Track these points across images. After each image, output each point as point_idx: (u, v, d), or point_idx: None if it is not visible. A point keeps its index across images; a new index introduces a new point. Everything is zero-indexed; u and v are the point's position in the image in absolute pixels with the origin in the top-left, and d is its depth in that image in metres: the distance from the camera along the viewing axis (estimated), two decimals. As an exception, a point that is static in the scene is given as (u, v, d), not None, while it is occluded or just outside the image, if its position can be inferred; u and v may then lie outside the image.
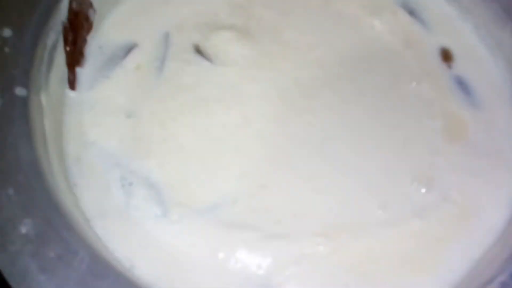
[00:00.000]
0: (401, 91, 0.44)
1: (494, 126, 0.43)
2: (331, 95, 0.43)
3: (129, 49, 0.44)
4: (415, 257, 0.37)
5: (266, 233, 0.37)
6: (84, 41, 0.43)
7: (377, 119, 0.42)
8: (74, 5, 0.42)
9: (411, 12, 0.47)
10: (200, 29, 0.45)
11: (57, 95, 0.40)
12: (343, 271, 0.36)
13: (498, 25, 0.45)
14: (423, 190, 0.39)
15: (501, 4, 0.44)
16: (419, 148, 0.41)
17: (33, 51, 0.37)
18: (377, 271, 0.37)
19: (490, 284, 0.33)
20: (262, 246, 0.36)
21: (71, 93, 0.41)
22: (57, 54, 0.40)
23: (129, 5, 0.46)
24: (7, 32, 0.37)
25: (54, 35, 0.39)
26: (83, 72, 0.42)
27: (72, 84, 0.42)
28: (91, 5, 0.43)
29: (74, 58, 0.42)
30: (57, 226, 0.31)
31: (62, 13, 0.40)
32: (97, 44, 0.44)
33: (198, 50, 0.44)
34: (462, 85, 0.44)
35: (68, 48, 0.41)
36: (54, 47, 0.39)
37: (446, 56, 0.46)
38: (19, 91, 0.35)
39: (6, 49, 0.36)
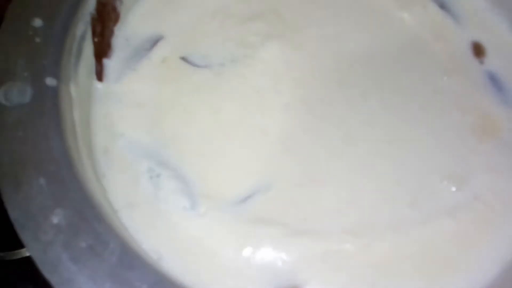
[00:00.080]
0: (431, 85, 0.43)
1: (528, 125, 0.42)
2: (359, 90, 0.42)
3: (155, 41, 0.44)
4: (444, 256, 0.37)
5: (293, 229, 0.36)
6: (111, 32, 0.43)
7: (407, 115, 0.41)
8: (102, -5, 0.42)
9: (442, 5, 0.46)
10: (226, 20, 0.44)
11: (86, 86, 0.40)
12: (370, 269, 0.36)
13: (532, 19, 0.44)
14: (454, 189, 0.39)
15: (535, -3, 0.43)
16: (450, 145, 0.40)
17: (63, 42, 0.37)
18: (405, 270, 0.36)
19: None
20: (289, 242, 0.36)
21: (98, 85, 0.41)
22: (86, 45, 0.40)
23: (155, -4, 0.45)
24: (38, 22, 0.37)
25: (83, 26, 0.39)
26: (110, 64, 0.42)
27: (99, 75, 0.42)
28: (118, -4, 0.43)
29: (102, 50, 0.42)
30: (88, 216, 0.31)
31: (90, 4, 0.40)
32: (123, 36, 0.44)
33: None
34: (494, 81, 0.43)
35: (96, 39, 0.41)
36: (83, 38, 0.39)
37: (478, 50, 0.45)
38: (50, 81, 0.35)
39: (37, 39, 0.36)
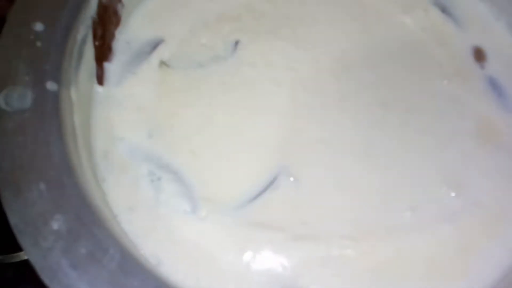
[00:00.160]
0: (432, 89, 0.43)
1: (528, 130, 0.42)
2: (359, 93, 0.42)
3: (156, 44, 0.44)
4: (444, 262, 0.37)
5: (293, 234, 0.37)
6: (112, 36, 0.43)
7: (407, 119, 0.41)
8: (104, -1, 0.42)
9: (444, 10, 0.46)
10: (225, 24, 0.44)
11: (86, 90, 0.40)
12: (370, 274, 0.36)
13: (533, 24, 0.44)
14: (453, 194, 0.39)
15: (536, 3, 0.43)
16: (450, 150, 0.40)
17: (64, 46, 0.37)
18: (405, 275, 0.36)
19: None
20: (289, 247, 0.36)
21: (99, 89, 0.41)
22: (87, 49, 0.40)
23: (156, 0, 0.45)
24: (39, 26, 0.37)
25: (84, 30, 0.39)
26: (110, 68, 0.42)
27: (100, 79, 0.42)
28: (119, 0, 0.43)
29: (103, 53, 0.42)
30: (87, 222, 0.31)
31: (92, 7, 0.40)
32: (124, 39, 0.44)
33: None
34: (494, 86, 0.43)
35: (97, 43, 0.41)
36: (83, 41, 0.39)
37: (479, 55, 0.45)
38: (51, 85, 0.35)
39: (38, 43, 0.36)
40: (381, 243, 0.37)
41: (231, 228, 0.36)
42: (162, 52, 0.43)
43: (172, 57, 0.43)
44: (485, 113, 0.42)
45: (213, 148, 0.39)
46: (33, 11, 0.37)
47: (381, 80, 0.43)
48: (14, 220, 0.30)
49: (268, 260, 0.36)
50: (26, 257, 0.47)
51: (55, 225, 0.30)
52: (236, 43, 0.43)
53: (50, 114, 0.34)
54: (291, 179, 0.38)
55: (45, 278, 0.29)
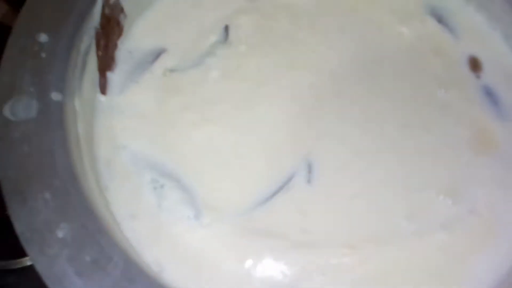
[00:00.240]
0: (428, 99, 0.43)
1: (523, 139, 0.42)
2: (356, 103, 0.43)
3: (158, 54, 0.44)
4: (441, 269, 0.37)
5: (294, 242, 0.37)
6: (115, 46, 0.44)
7: (404, 128, 0.42)
8: (107, 10, 0.42)
9: (440, 20, 0.47)
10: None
11: (89, 100, 0.41)
12: (369, 282, 0.37)
13: (528, 34, 0.44)
14: (450, 202, 0.39)
15: (531, 13, 0.44)
16: (446, 159, 0.41)
17: (68, 56, 0.38)
18: (403, 283, 0.37)
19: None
20: (289, 255, 0.37)
21: (101, 98, 0.42)
22: (90, 59, 0.41)
23: (158, 10, 0.46)
24: (43, 38, 0.37)
25: (87, 40, 0.40)
26: (113, 77, 0.43)
27: (103, 88, 0.42)
28: (122, 10, 0.44)
29: (105, 63, 0.43)
30: (92, 230, 0.32)
31: (95, 18, 0.41)
32: (127, 49, 0.44)
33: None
34: (490, 95, 0.44)
35: (100, 53, 0.42)
36: (87, 52, 0.40)
37: (475, 65, 0.45)
38: (55, 95, 0.36)
39: (43, 54, 0.37)
40: (379, 251, 0.37)
41: (233, 235, 0.37)
42: (164, 62, 0.44)
43: (174, 66, 0.44)
44: (481, 122, 0.43)
45: (216, 155, 0.40)
46: (37, 22, 0.38)
47: (378, 90, 0.43)
48: (20, 228, 0.31)
49: (268, 267, 0.37)
50: (27, 264, 0.48)
51: (60, 234, 0.31)
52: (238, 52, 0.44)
53: (54, 123, 0.35)
54: (291, 189, 0.39)
55: (51, 285, 0.29)
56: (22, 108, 0.35)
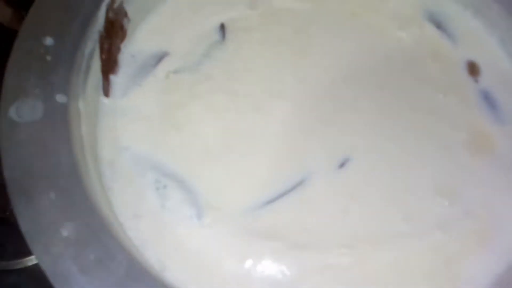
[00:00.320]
0: (427, 103, 0.44)
1: (520, 142, 0.43)
2: (355, 107, 0.43)
3: (160, 58, 0.45)
4: (437, 270, 0.38)
5: (293, 243, 0.38)
6: (118, 49, 0.45)
7: (402, 131, 0.43)
8: (111, 14, 0.43)
9: (438, 26, 0.47)
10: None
11: (93, 102, 0.41)
12: (366, 282, 0.37)
13: (525, 39, 0.45)
14: (446, 203, 0.40)
15: (528, 18, 0.44)
16: (443, 161, 0.41)
17: (73, 59, 0.38)
18: (400, 283, 0.37)
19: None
20: (289, 255, 0.37)
21: (105, 100, 0.43)
22: (93, 62, 0.41)
23: (160, 15, 0.47)
24: (49, 41, 0.38)
25: (91, 44, 0.41)
26: (116, 80, 0.44)
27: (106, 91, 0.43)
28: (126, 15, 0.45)
29: (109, 66, 0.43)
30: (95, 229, 0.32)
31: (99, 22, 0.41)
32: (129, 52, 0.45)
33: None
34: (488, 99, 0.44)
35: (103, 56, 0.42)
36: (91, 55, 0.41)
37: (473, 69, 0.46)
38: (60, 98, 0.37)
39: (48, 57, 0.38)
40: (377, 251, 0.38)
41: (234, 236, 0.37)
42: (166, 65, 0.44)
43: (176, 69, 0.44)
44: (478, 125, 0.43)
45: (219, 156, 0.40)
46: (43, 26, 0.38)
47: (377, 94, 0.44)
48: (25, 227, 0.31)
49: (268, 267, 0.37)
50: (28, 264, 0.49)
51: (65, 232, 0.31)
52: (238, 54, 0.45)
53: (59, 125, 0.36)
54: (294, 190, 0.39)
55: (56, 284, 0.30)
56: (28, 110, 0.35)
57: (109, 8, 0.42)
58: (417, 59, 0.46)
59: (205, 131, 0.42)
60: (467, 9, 0.47)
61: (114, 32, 0.44)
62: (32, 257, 0.48)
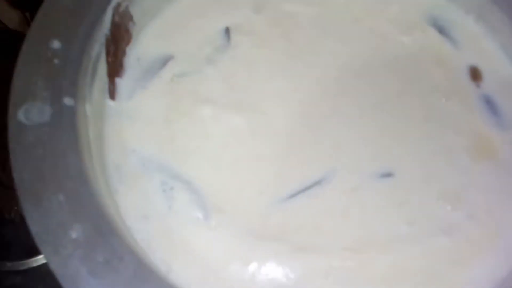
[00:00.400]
0: (429, 107, 0.44)
1: (522, 148, 0.43)
2: (357, 110, 0.43)
3: (165, 61, 0.45)
4: (440, 274, 0.38)
5: (297, 246, 0.38)
6: (124, 52, 0.45)
7: (405, 135, 0.43)
8: (116, 18, 0.43)
9: (441, 31, 0.48)
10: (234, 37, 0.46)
11: (99, 105, 0.42)
12: (370, 285, 0.37)
13: (527, 44, 0.45)
14: (449, 208, 0.40)
15: (530, 24, 0.44)
16: (446, 166, 0.42)
17: (80, 63, 0.39)
18: (403, 286, 0.38)
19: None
20: (293, 258, 0.38)
21: (111, 103, 0.43)
22: (100, 65, 0.42)
23: (165, 19, 0.47)
24: (56, 44, 0.38)
25: (98, 47, 0.41)
26: (122, 83, 0.44)
27: (112, 94, 0.43)
28: (131, 18, 0.45)
29: (115, 69, 0.44)
30: (104, 231, 0.32)
31: (105, 25, 0.42)
32: (135, 56, 0.45)
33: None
34: (490, 104, 0.45)
35: (109, 59, 0.43)
36: (97, 58, 0.41)
37: (475, 74, 0.46)
38: (67, 101, 0.37)
39: (56, 61, 0.38)
40: (380, 255, 0.38)
41: (239, 238, 0.38)
42: (171, 68, 0.45)
43: (181, 72, 0.45)
44: (480, 130, 0.43)
45: (225, 158, 0.41)
46: (50, 30, 0.39)
47: (381, 99, 0.44)
48: (35, 229, 0.32)
49: (272, 271, 0.37)
50: (34, 265, 0.49)
51: (73, 234, 0.32)
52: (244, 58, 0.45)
53: (67, 128, 0.36)
54: (300, 195, 0.40)
55: (65, 284, 0.30)
56: (36, 113, 0.36)
57: (115, 11, 0.42)
58: (420, 63, 0.46)
59: (211, 133, 0.42)
60: (469, 14, 0.48)
61: (120, 35, 0.44)
62: (37, 258, 0.49)
